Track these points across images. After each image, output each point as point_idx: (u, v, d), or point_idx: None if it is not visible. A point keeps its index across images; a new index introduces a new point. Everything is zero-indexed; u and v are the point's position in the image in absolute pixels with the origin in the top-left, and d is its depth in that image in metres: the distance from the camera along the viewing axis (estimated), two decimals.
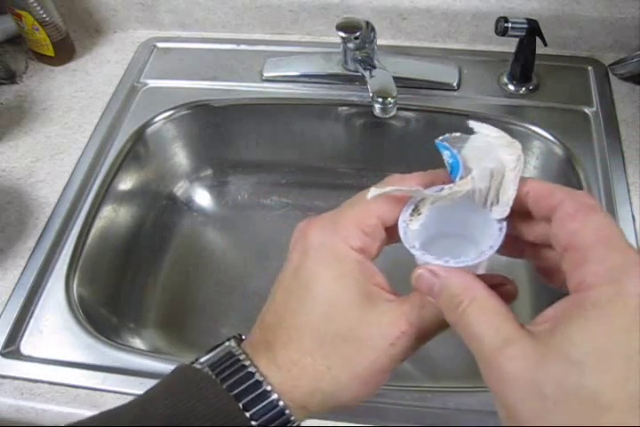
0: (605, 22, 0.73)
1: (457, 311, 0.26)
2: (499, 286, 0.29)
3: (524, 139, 0.72)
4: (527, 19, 0.65)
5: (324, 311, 0.29)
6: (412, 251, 0.30)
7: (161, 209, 0.80)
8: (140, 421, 0.28)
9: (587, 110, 0.71)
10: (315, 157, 0.82)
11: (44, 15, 0.75)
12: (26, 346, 0.56)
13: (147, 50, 0.82)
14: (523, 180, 0.29)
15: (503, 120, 0.72)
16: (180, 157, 0.81)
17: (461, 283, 0.27)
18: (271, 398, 0.28)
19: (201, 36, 0.84)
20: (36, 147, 0.72)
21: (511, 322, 0.24)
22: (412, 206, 0.31)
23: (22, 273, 0.61)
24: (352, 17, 0.68)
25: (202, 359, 0.31)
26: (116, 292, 0.69)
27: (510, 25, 0.65)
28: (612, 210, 0.62)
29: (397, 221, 0.31)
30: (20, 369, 0.55)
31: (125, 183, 0.72)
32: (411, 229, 0.30)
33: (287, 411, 0.28)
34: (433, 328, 0.29)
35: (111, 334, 0.61)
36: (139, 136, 0.74)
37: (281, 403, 0.28)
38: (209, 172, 0.84)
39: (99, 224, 0.67)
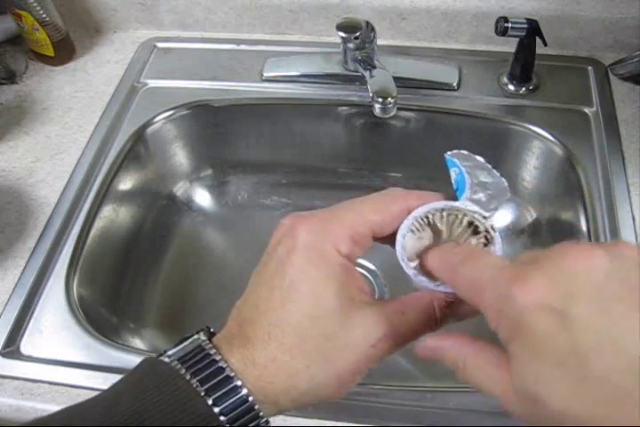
0: (605, 22, 0.73)
1: (460, 372, 0.28)
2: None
3: (523, 139, 0.72)
4: (527, 19, 0.65)
5: (308, 311, 0.29)
6: (407, 270, 0.31)
7: (161, 209, 0.80)
8: (105, 416, 0.28)
9: (587, 110, 0.71)
10: (315, 157, 0.82)
11: (44, 15, 0.75)
12: (26, 346, 0.56)
13: (147, 50, 0.82)
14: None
15: (503, 120, 0.72)
16: (180, 157, 0.81)
17: (453, 346, 0.28)
18: (241, 394, 0.28)
19: (201, 36, 0.84)
20: (35, 147, 0.72)
21: (501, 371, 0.26)
22: (414, 221, 0.31)
23: (22, 273, 0.61)
24: (352, 17, 0.68)
25: (170, 352, 0.30)
26: (116, 292, 0.69)
27: (510, 25, 0.64)
28: (611, 210, 0.62)
29: (386, 234, 0.32)
30: (20, 369, 0.55)
31: (125, 183, 0.72)
32: (409, 244, 0.31)
33: (257, 406, 0.29)
34: (411, 334, 0.30)
35: (111, 334, 0.61)
36: (139, 136, 0.74)
37: (251, 398, 0.28)
38: (209, 172, 0.84)
39: (99, 224, 0.67)
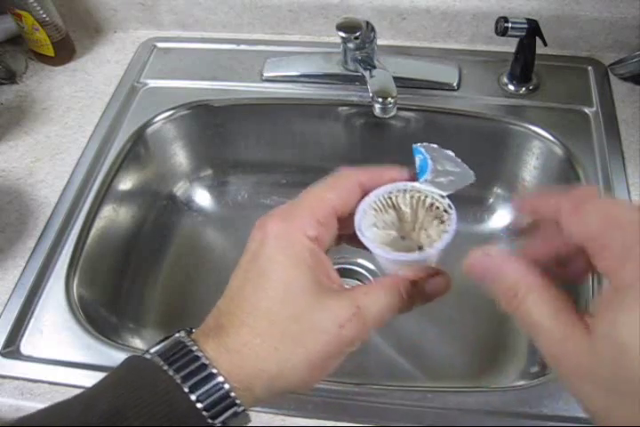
0: (605, 22, 0.73)
1: (515, 299, 0.26)
2: (431, 276, 0.31)
3: (524, 139, 0.72)
4: (527, 19, 0.65)
5: (277, 296, 0.30)
6: (361, 237, 0.31)
7: (161, 209, 0.80)
8: (85, 413, 0.28)
9: (587, 110, 0.71)
10: (315, 157, 0.82)
11: (44, 15, 0.75)
12: (26, 346, 0.56)
13: (147, 50, 0.82)
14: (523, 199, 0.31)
15: (503, 120, 0.72)
16: (180, 157, 0.81)
17: (520, 269, 0.27)
18: (216, 381, 0.29)
19: (201, 36, 0.84)
20: (35, 147, 0.72)
21: (570, 313, 0.25)
22: (376, 199, 0.33)
23: (22, 273, 0.61)
24: (352, 17, 0.68)
25: (152, 350, 0.31)
26: (116, 292, 0.69)
27: (510, 25, 0.64)
28: None
29: (350, 212, 0.32)
30: (20, 369, 0.55)
31: (125, 183, 0.72)
32: (367, 218, 0.32)
33: (232, 394, 0.29)
34: (380, 314, 0.31)
35: (111, 334, 0.61)
36: (139, 136, 0.74)
37: (226, 386, 0.29)
38: (209, 172, 0.84)
39: (99, 224, 0.67)
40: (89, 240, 0.65)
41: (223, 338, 0.30)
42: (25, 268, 0.61)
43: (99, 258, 0.66)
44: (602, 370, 0.23)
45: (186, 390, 0.28)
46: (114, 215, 0.70)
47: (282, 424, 0.50)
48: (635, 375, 0.22)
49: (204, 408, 0.29)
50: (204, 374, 0.29)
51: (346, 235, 0.34)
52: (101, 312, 0.65)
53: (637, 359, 0.22)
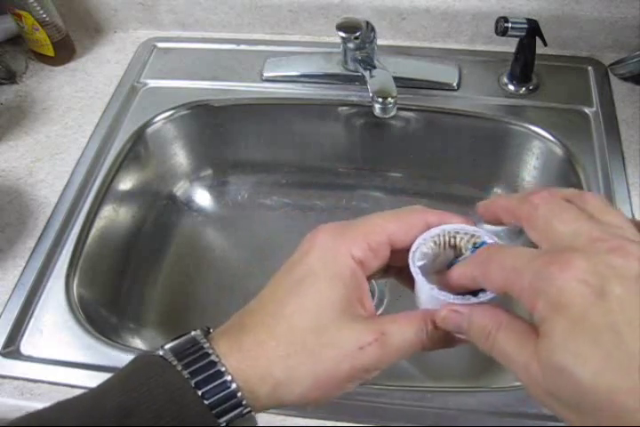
0: (605, 22, 0.73)
1: (488, 339, 0.27)
2: None
3: (524, 139, 0.72)
4: (527, 19, 0.65)
5: (305, 305, 0.30)
6: (414, 272, 0.30)
7: (161, 209, 0.80)
8: (94, 409, 0.28)
9: (587, 110, 0.71)
10: (315, 157, 0.82)
11: (44, 15, 0.75)
12: (26, 346, 0.56)
13: (147, 50, 0.82)
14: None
15: (503, 120, 0.72)
16: (180, 157, 0.81)
17: (486, 314, 0.28)
18: (224, 379, 0.29)
19: (201, 36, 0.84)
20: (35, 147, 0.72)
21: (532, 343, 0.26)
22: (442, 232, 0.32)
23: (22, 273, 0.61)
24: (352, 17, 0.68)
25: (166, 346, 0.31)
26: (116, 292, 0.69)
27: (510, 25, 0.65)
28: None
29: (404, 246, 0.32)
30: (20, 369, 0.55)
31: (125, 183, 0.72)
32: (422, 250, 0.31)
33: (239, 394, 0.29)
34: (402, 345, 0.30)
35: (111, 334, 0.61)
36: (139, 136, 0.74)
37: (233, 385, 0.29)
38: (209, 172, 0.84)
39: (99, 224, 0.67)
40: (89, 240, 0.65)
41: (240, 336, 0.30)
42: (25, 268, 0.61)
43: (99, 258, 0.66)
44: (557, 392, 0.24)
45: (193, 385, 0.28)
46: (114, 215, 0.70)
47: (282, 424, 0.50)
48: (581, 395, 0.23)
49: (210, 405, 0.28)
50: (212, 371, 0.29)
51: (396, 268, 0.34)
52: (101, 312, 0.65)
53: (573, 380, 0.23)
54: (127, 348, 0.58)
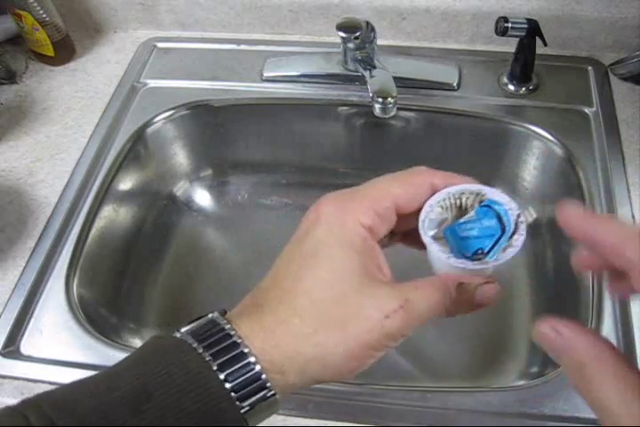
0: (605, 22, 0.73)
1: (581, 373, 0.24)
2: (483, 284, 0.30)
3: (523, 139, 0.72)
4: (527, 19, 0.65)
5: (322, 277, 0.29)
6: (423, 236, 0.30)
7: (161, 209, 0.80)
8: (106, 391, 0.27)
9: (587, 110, 0.71)
10: (315, 157, 0.82)
11: (44, 15, 0.75)
12: (26, 346, 0.56)
13: (147, 50, 0.82)
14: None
15: (503, 120, 0.72)
16: (180, 157, 0.81)
17: (586, 345, 0.25)
18: (247, 361, 0.27)
19: (201, 36, 0.84)
20: (35, 147, 0.72)
21: (633, 387, 0.23)
22: (447, 197, 0.31)
23: (22, 273, 0.61)
24: (352, 17, 0.68)
25: (183, 329, 0.30)
26: (116, 292, 0.69)
27: (510, 25, 0.64)
28: (611, 210, 0.62)
29: (413, 210, 0.31)
30: (20, 369, 0.55)
31: (125, 183, 0.72)
32: (432, 216, 0.31)
33: (264, 376, 0.27)
34: (427, 310, 0.29)
35: (111, 334, 0.61)
36: (139, 136, 0.74)
37: (257, 367, 0.27)
38: (209, 172, 0.84)
39: (99, 224, 0.67)
40: (89, 240, 0.65)
41: (259, 315, 0.29)
42: (25, 268, 0.61)
43: (99, 258, 0.66)
44: None
45: (215, 368, 0.27)
46: (114, 215, 0.70)
47: (282, 424, 0.50)
48: None
49: (233, 389, 0.27)
50: (235, 352, 0.27)
51: (401, 233, 0.33)
52: (101, 312, 0.65)
53: None
54: (127, 348, 0.57)
